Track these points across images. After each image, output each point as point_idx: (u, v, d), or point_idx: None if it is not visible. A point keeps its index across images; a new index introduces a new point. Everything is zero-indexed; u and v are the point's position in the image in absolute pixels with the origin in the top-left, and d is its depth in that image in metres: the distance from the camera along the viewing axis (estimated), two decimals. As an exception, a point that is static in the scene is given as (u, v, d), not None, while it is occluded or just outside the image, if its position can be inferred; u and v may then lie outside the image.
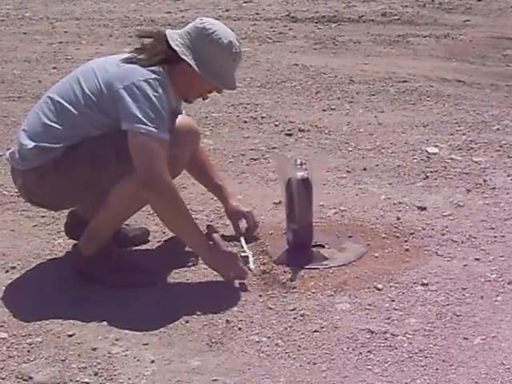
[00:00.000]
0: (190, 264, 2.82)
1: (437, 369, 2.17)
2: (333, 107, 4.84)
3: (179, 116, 2.68)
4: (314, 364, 2.21)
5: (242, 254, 2.82)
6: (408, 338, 2.32)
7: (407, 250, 2.90)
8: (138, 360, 2.26)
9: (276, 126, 4.46)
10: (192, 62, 2.58)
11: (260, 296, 2.59)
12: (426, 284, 2.63)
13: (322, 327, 2.39)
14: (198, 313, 2.49)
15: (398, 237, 3.01)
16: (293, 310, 2.50)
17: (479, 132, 4.29)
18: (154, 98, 2.49)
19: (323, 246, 2.93)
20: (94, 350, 2.31)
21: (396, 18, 7.95)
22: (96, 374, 2.19)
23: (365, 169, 3.77)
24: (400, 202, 3.35)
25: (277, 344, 2.32)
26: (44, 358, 2.28)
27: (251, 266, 2.77)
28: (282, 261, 2.83)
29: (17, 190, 2.88)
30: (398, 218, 3.17)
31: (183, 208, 2.59)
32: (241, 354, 2.28)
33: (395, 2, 8.81)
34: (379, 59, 6.21)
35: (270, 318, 2.46)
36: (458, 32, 7.21)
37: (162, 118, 2.50)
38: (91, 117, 2.56)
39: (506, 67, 6.05)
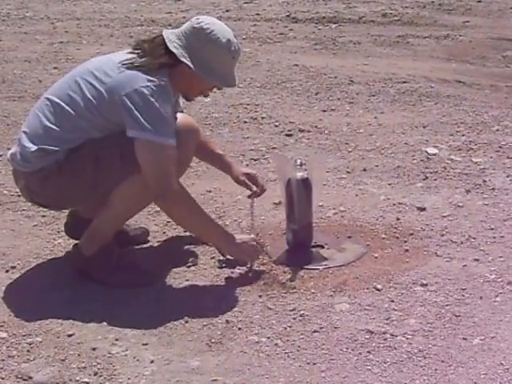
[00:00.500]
0: (190, 264, 2.83)
1: (436, 369, 2.17)
2: (333, 108, 4.84)
3: (178, 116, 2.67)
4: (314, 364, 2.22)
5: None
6: (407, 339, 2.32)
7: (407, 250, 2.90)
8: (137, 360, 2.26)
9: (276, 126, 4.47)
10: (191, 64, 2.57)
11: (260, 296, 2.59)
12: (426, 284, 2.63)
13: (322, 327, 2.39)
14: (198, 313, 2.49)
15: (397, 237, 3.01)
16: (292, 310, 2.50)
17: (479, 133, 4.29)
18: (157, 104, 2.48)
19: (323, 247, 2.94)
20: (94, 349, 2.32)
21: (396, 18, 7.95)
22: (96, 374, 2.20)
23: (364, 169, 3.77)
24: (400, 203, 3.35)
25: (276, 344, 2.32)
26: (44, 358, 2.28)
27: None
28: (281, 261, 2.84)
29: (17, 190, 2.88)
30: (398, 219, 3.17)
31: (198, 209, 2.63)
32: (240, 354, 2.28)
33: (395, 2, 8.81)
34: (379, 60, 6.21)
35: (270, 318, 2.46)
36: (457, 33, 7.21)
37: (166, 124, 2.50)
38: (91, 120, 2.55)
39: (505, 68, 6.05)
